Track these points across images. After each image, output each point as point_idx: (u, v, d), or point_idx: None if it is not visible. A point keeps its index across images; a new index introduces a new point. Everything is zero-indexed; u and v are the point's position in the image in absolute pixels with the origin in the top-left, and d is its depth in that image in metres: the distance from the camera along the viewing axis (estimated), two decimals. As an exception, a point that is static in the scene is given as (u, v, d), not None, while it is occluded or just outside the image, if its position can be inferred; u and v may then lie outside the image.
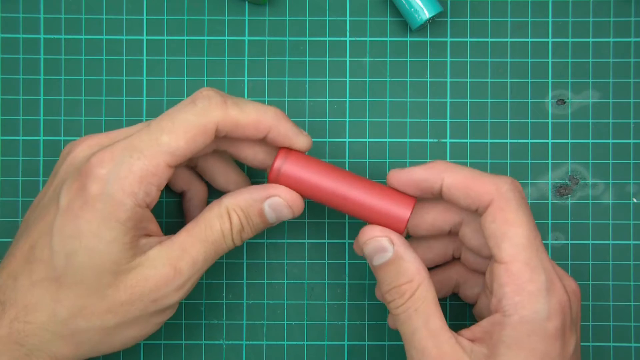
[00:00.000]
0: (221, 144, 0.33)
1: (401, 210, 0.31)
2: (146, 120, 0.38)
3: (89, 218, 0.29)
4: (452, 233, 0.34)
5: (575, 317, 0.31)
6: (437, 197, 0.32)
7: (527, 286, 0.29)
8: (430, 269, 0.36)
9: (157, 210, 0.38)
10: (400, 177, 0.32)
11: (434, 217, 0.33)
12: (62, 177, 0.31)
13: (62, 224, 0.29)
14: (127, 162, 0.29)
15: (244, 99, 0.32)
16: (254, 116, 0.31)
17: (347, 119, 0.38)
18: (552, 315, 0.29)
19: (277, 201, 0.31)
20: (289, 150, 0.32)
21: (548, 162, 0.38)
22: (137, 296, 0.29)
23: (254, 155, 0.33)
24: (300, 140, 0.32)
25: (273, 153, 0.33)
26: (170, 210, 0.38)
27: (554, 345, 0.29)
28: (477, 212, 0.31)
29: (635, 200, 0.38)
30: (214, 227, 0.31)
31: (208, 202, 0.35)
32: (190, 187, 0.36)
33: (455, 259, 0.36)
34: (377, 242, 0.31)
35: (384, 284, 0.31)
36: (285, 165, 0.32)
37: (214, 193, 0.36)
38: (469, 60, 0.38)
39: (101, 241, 0.29)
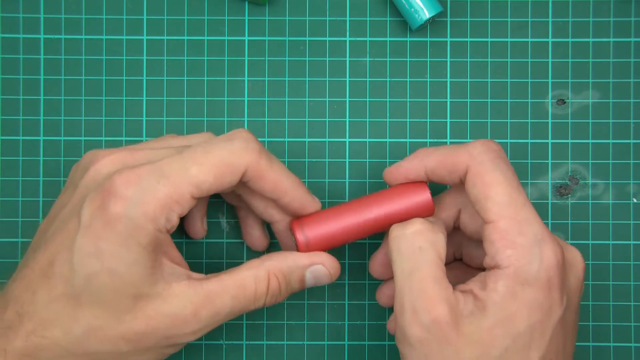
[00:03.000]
0: (239, 190, 0.34)
1: (421, 197, 0.32)
2: (146, 119, 0.38)
3: (111, 238, 0.28)
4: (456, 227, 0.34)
5: (576, 284, 0.31)
6: (429, 181, 0.33)
7: (517, 239, 0.29)
8: None
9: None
10: (391, 175, 0.33)
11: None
12: (83, 191, 0.30)
13: (83, 242, 0.29)
14: (152, 187, 0.29)
15: (274, 157, 0.32)
16: (278, 175, 0.31)
17: (347, 119, 0.38)
18: (545, 267, 0.29)
19: (319, 269, 0.32)
20: (299, 219, 0.33)
21: (548, 162, 0.38)
22: (152, 329, 0.29)
23: (264, 208, 0.34)
24: (313, 207, 0.33)
25: (281, 212, 0.34)
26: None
27: (545, 297, 0.29)
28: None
29: (635, 200, 0.38)
30: (248, 288, 0.31)
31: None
32: (242, 207, 0.36)
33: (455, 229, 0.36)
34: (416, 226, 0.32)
35: (409, 225, 0.31)
36: (307, 232, 0.32)
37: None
38: (469, 60, 0.38)
39: (122, 263, 0.28)
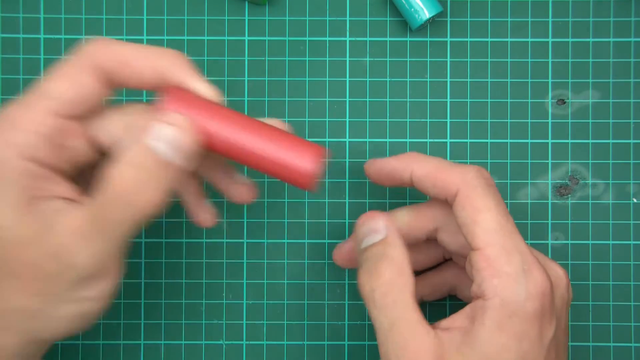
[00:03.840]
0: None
1: (304, 162, 0.27)
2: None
3: None
4: (431, 239, 0.34)
5: (562, 303, 0.31)
6: (408, 185, 0.32)
7: (504, 268, 0.29)
8: (424, 271, 0.36)
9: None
10: (374, 166, 0.33)
11: (408, 226, 0.33)
12: None
13: None
14: (8, 115, 0.27)
15: (141, 44, 0.29)
16: (146, 58, 0.28)
17: (347, 119, 0.38)
18: (531, 297, 0.28)
19: (169, 132, 0.27)
20: (174, 89, 0.28)
21: (548, 162, 0.38)
22: (41, 274, 0.26)
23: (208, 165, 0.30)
24: (200, 87, 0.28)
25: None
26: (170, 214, 0.38)
27: (533, 326, 0.28)
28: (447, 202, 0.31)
29: (635, 200, 0.38)
30: (104, 196, 0.26)
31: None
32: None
33: (448, 260, 0.36)
34: (375, 223, 0.31)
35: (366, 271, 0.31)
36: (171, 102, 0.27)
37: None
38: (469, 60, 0.38)
39: None
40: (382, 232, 0.31)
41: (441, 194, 0.31)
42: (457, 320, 0.30)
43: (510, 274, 0.29)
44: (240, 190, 0.32)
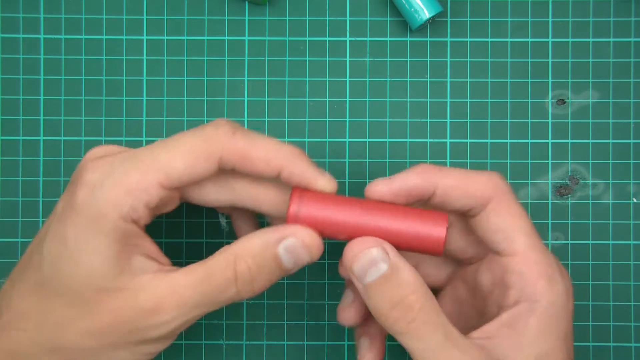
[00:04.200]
0: (234, 185, 0.31)
1: (437, 230, 0.29)
2: (146, 119, 0.38)
3: (74, 224, 0.28)
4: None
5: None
6: (424, 200, 0.31)
7: (546, 271, 0.29)
8: None
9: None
10: (393, 186, 0.30)
11: None
12: (69, 182, 0.30)
13: (54, 229, 0.28)
14: (118, 173, 0.28)
15: (260, 133, 0.30)
16: (263, 150, 0.29)
17: (347, 119, 0.38)
18: (569, 297, 0.29)
19: (293, 243, 0.29)
20: (302, 190, 0.29)
21: (548, 162, 0.38)
22: (113, 323, 0.28)
23: (265, 195, 0.31)
24: (321, 183, 0.29)
25: (269, 198, 0.31)
26: (170, 214, 0.38)
27: (571, 325, 0.29)
28: (467, 213, 0.31)
29: (635, 200, 0.38)
30: (214, 277, 0.28)
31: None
32: (232, 212, 0.35)
33: None
34: (370, 254, 0.28)
35: (384, 302, 0.28)
36: (302, 207, 0.29)
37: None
38: (469, 60, 0.38)
39: (84, 250, 0.27)
40: (384, 260, 0.28)
41: (470, 204, 0.30)
42: (492, 329, 0.29)
43: (552, 276, 0.29)
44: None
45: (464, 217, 0.31)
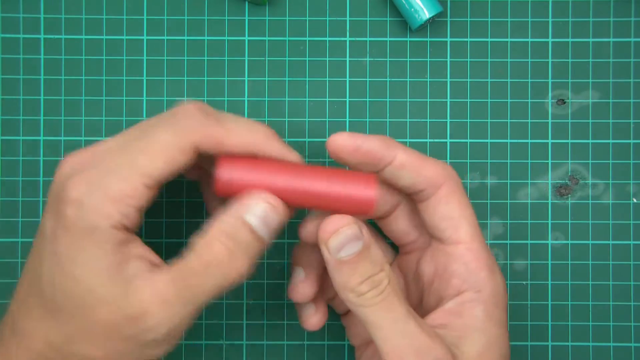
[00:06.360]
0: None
1: (366, 191, 0.30)
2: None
3: (67, 242, 0.28)
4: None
5: None
6: (377, 170, 0.31)
7: (487, 262, 0.30)
8: None
9: (157, 212, 0.38)
10: (350, 142, 0.30)
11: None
12: (49, 201, 0.30)
13: (50, 250, 0.28)
14: (103, 185, 0.28)
15: (231, 115, 0.30)
16: (238, 137, 0.29)
17: (347, 119, 0.38)
18: (505, 288, 0.31)
19: (261, 208, 0.29)
20: (230, 156, 0.30)
21: (548, 162, 0.38)
22: (112, 332, 0.28)
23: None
24: (290, 158, 0.30)
25: None
26: (170, 210, 0.38)
27: (507, 315, 0.31)
28: (418, 195, 0.31)
29: (635, 200, 0.38)
30: (192, 267, 0.28)
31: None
32: (203, 177, 0.35)
33: None
34: (348, 230, 0.29)
35: (355, 276, 0.29)
36: (234, 172, 0.29)
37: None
38: (469, 60, 0.38)
39: (79, 266, 0.27)
40: (359, 238, 0.29)
41: (421, 185, 0.31)
42: (438, 317, 0.30)
43: (491, 267, 0.30)
44: None
45: (413, 200, 0.32)
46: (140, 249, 0.29)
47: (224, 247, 0.28)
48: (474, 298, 0.29)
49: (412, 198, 0.32)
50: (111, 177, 0.28)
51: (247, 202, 0.29)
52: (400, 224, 0.33)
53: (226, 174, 0.29)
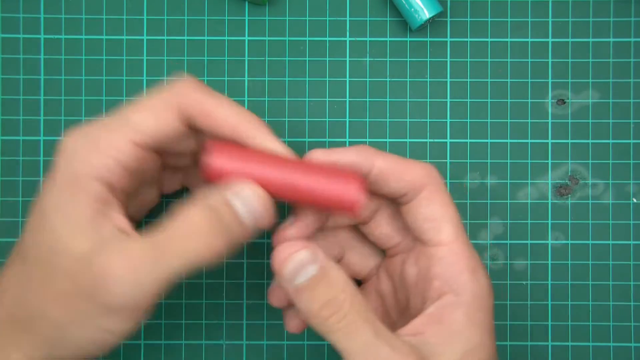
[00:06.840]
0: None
1: (355, 192, 0.29)
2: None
3: (52, 191, 0.28)
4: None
5: None
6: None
7: (470, 264, 0.29)
8: None
9: (157, 210, 0.38)
10: (328, 158, 0.30)
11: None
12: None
13: (36, 202, 0.28)
14: (92, 136, 0.28)
15: (225, 96, 0.30)
16: (228, 111, 0.29)
17: (347, 119, 0.38)
18: (490, 290, 0.30)
19: (248, 194, 0.28)
20: (221, 142, 0.30)
21: (548, 162, 0.38)
22: (74, 288, 0.27)
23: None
24: (276, 149, 0.30)
25: None
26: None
27: (493, 318, 0.30)
28: (400, 199, 0.31)
29: (635, 200, 0.38)
30: (169, 237, 0.27)
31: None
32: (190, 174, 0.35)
33: None
34: (299, 256, 0.28)
35: (314, 302, 0.27)
36: (224, 159, 0.29)
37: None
38: (469, 60, 0.38)
39: (59, 217, 0.27)
40: (314, 261, 0.28)
41: (403, 189, 0.30)
42: (419, 324, 0.29)
43: (475, 269, 0.29)
44: None
45: (395, 203, 0.32)
46: (118, 216, 0.28)
47: (206, 219, 0.27)
48: (454, 301, 0.29)
49: (394, 201, 0.32)
50: (102, 130, 0.28)
51: (234, 186, 0.29)
52: (383, 228, 0.33)
53: (217, 158, 0.29)
